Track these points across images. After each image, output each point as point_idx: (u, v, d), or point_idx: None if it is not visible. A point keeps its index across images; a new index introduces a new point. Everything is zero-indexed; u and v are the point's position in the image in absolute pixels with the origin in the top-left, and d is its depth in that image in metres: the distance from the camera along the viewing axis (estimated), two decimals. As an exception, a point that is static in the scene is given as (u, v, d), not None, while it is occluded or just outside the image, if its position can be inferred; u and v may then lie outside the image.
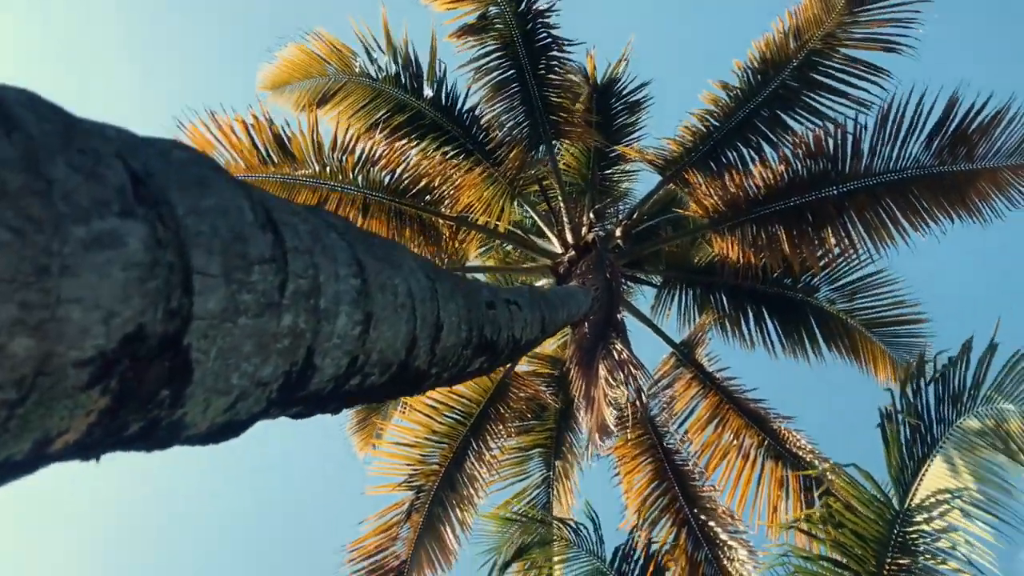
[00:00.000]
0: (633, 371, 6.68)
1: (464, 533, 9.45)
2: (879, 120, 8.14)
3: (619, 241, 9.75)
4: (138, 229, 1.18)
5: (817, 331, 9.77)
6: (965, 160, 7.90)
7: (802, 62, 8.90)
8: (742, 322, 9.94)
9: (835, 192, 8.59)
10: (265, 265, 1.55)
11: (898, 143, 8.10)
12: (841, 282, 9.58)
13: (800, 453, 9.03)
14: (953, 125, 7.85)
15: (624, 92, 10.26)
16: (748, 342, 9.87)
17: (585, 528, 7.96)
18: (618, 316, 8.10)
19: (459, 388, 9.72)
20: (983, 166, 7.85)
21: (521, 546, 8.13)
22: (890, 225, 8.25)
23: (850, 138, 8.36)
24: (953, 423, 6.20)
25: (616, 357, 6.71)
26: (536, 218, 10.22)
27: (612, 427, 6.59)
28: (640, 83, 10.29)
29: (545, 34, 9.25)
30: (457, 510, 9.45)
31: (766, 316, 9.88)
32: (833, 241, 8.76)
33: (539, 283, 10.07)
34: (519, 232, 10.68)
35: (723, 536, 8.75)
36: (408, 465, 9.51)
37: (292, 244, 1.67)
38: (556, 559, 7.81)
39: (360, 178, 9.20)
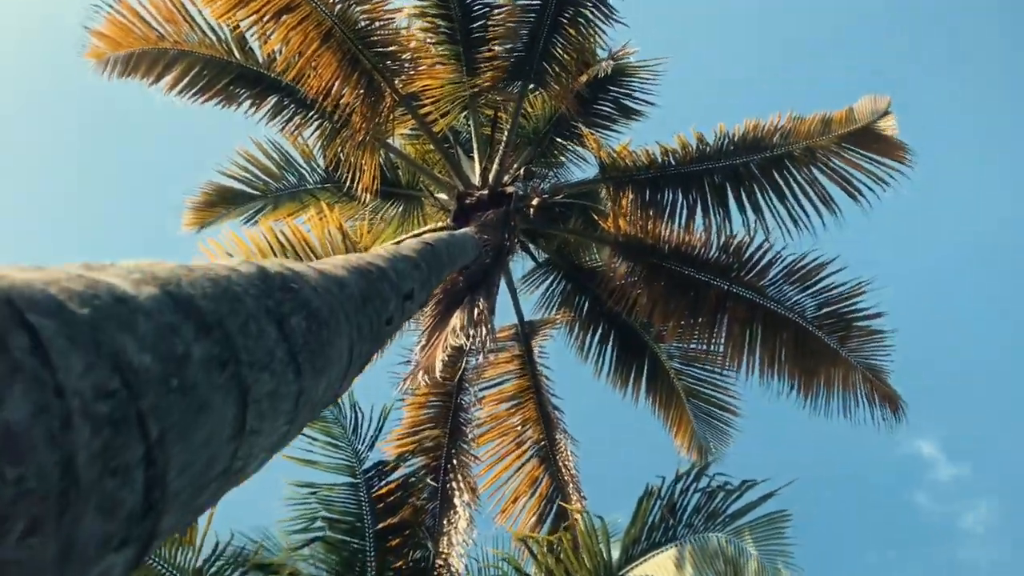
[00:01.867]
0: (484, 331, 6.89)
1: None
2: (795, 262, 8.63)
3: (531, 207, 9.83)
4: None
5: (645, 374, 10.38)
6: (837, 343, 8.56)
7: (774, 157, 9.16)
8: (589, 334, 10.40)
9: (725, 288, 9.06)
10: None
11: (796, 290, 8.64)
12: (685, 348, 10.18)
13: (564, 470, 9.73)
14: (844, 310, 8.47)
15: (624, 94, 10.21)
16: (584, 354, 10.37)
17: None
18: (495, 277, 8.26)
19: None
20: (847, 356, 8.54)
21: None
22: (745, 349, 8.84)
23: (766, 257, 8.81)
24: (699, 532, 6.82)
25: (474, 313, 6.89)
26: (474, 140, 10.07)
27: (438, 372, 6.83)
28: (645, 98, 10.30)
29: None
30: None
31: (611, 339, 10.37)
32: (699, 324, 9.26)
33: (436, 217, 10.04)
34: (451, 141, 10.51)
35: (456, 500, 9.35)
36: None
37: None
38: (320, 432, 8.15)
39: (338, 6, 8.67)
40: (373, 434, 8.27)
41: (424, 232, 10.30)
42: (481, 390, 10.09)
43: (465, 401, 10.00)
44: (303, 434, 8.06)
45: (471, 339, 7.08)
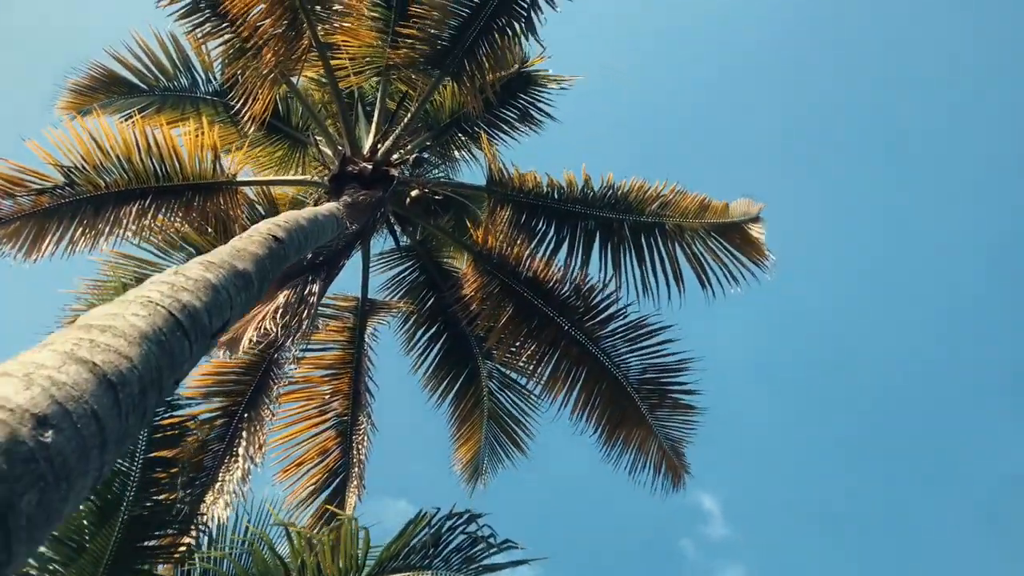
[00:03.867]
0: (303, 317, 6.80)
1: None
2: (636, 322, 9.04)
3: (409, 196, 9.83)
4: None
5: (459, 384, 10.52)
6: (648, 409, 9.02)
7: (646, 224, 9.54)
8: (422, 330, 10.46)
9: (566, 328, 9.37)
10: None
11: (628, 349, 9.06)
12: (507, 371, 10.40)
13: (356, 451, 9.72)
14: (664, 380, 8.94)
15: (530, 103, 10.40)
16: (410, 347, 10.41)
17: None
18: (344, 262, 8.20)
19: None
20: (651, 423, 9.01)
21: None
22: (566, 387, 9.17)
23: (610, 309, 9.18)
24: (453, 571, 6.90)
25: (302, 295, 6.80)
26: (376, 110, 9.98)
27: (242, 349, 6.68)
28: (549, 110, 10.53)
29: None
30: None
31: (441, 342, 10.47)
32: (530, 353, 9.51)
33: (315, 170, 9.89)
34: (354, 103, 10.37)
35: (240, 451, 9.14)
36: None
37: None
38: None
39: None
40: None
41: (289, 200, 10.11)
42: (303, 350, 9.93)
43: (283, 357, 9.80)
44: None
45: (287, 319, 6.99)
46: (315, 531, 7.94)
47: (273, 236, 4.64)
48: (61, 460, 2.22)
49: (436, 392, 10.49)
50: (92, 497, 7.13)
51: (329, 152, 9.89)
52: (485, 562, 6.46)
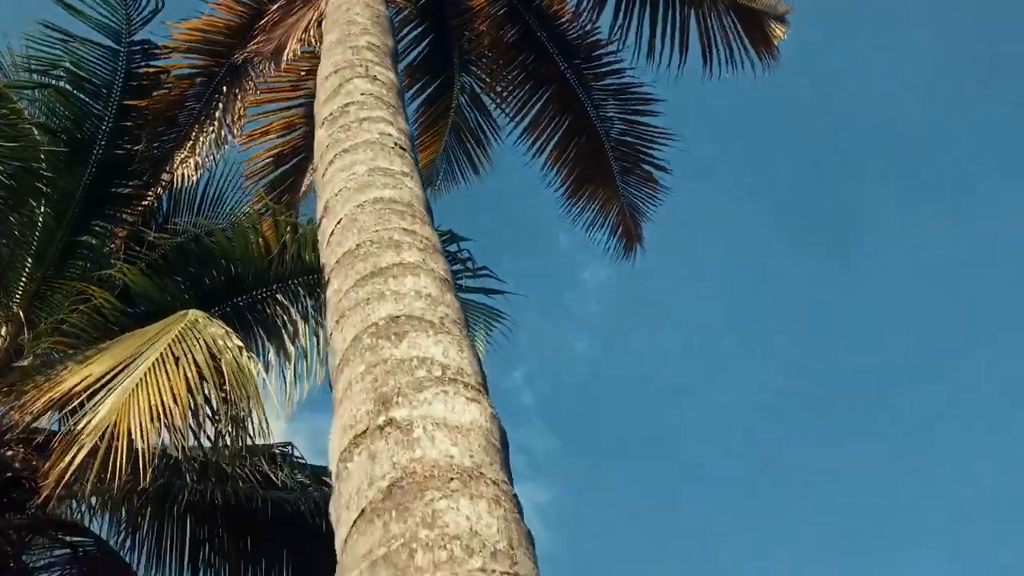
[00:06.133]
0: None
1: None
2: (630, 85, 8.91)
3: None
4: None
5: (432, 90, 9.96)
6: (620, 171, 9.15)
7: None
8: (408, 26, 10.03)
9: (562, 69, 9.03)
10: None
11: (616, 108, 9.07)
12: (483, 90, 10.14)
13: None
14: (641, 148, 9.05)
15: None
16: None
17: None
18: None
19: None
20: (619, 185, 9.19)
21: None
22: (545, 134, 9.22)
23: (611, 64, 9.03)
24: None
25: None
26: None
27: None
28: None
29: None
30: None
31: (425, 43, 10.01)
32: (518, 89, 9.38)
33: None
34: None
35: (218, 114, 9.09)
36: None
37: None
38: None
39: None
40: (156, 7, 7.60)
41: None
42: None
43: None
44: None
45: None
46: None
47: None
48: None
49: (410, 91, 10.21)
50: (64, 136, 7.21)
51: None
52: (462, 283, 6.81)
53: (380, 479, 2.44)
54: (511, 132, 9.62)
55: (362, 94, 4.47)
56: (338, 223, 3.59)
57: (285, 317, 7.14)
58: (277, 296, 7.14)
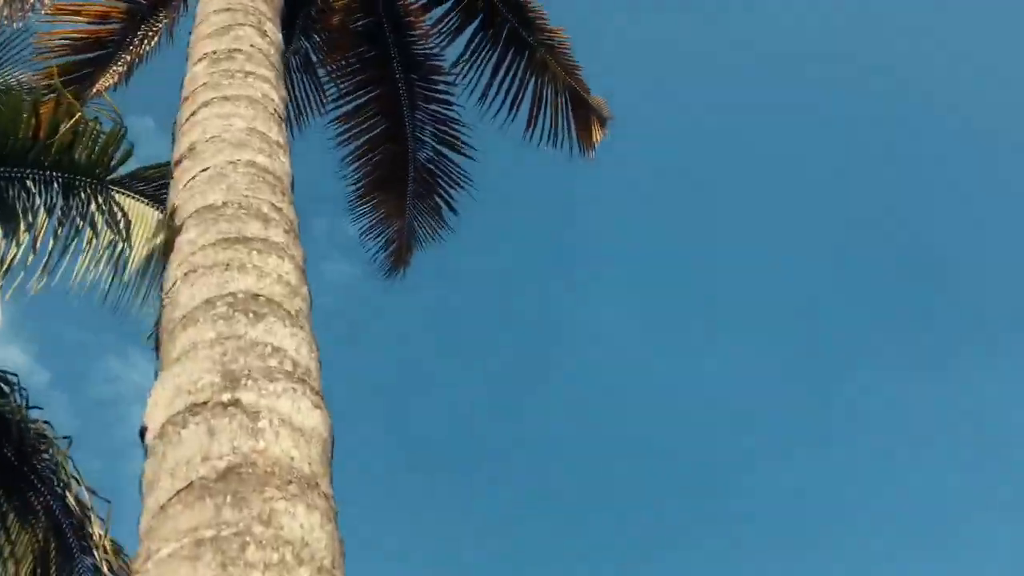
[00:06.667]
0: None
1: None
2: (453, 118, 9.23)
3: None
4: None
5: None
6: (412, 193, 9.39)
7: (524, 39, 9.27)
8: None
9: (397, 75, 9.12)
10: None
11: (432, 136, 9.32)
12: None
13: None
14: (439, 182, 9.36)
15: None
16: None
17: None
18: None
19: None
20: (407, 208, 9.40)
21: None
22: (351, 130, 9.22)
23: (443, 94, 9.29)
24: None
25: None
26: None
27: None
28: None
29: None
30: None
31: None
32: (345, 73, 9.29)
33: None
34: None
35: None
36: None
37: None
38: None
39: None
40: None
41: None
42: None
43: None
44: None
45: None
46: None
47: None
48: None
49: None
50: None
51: None
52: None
53: (217, 459, 2.42)
54: (328, 114, 9.45)
55: (251, 45, 4.30)
56: (204, 170, 3.44)
57: (28, 204, 6.35)
58: (27, 181, 6.34)
